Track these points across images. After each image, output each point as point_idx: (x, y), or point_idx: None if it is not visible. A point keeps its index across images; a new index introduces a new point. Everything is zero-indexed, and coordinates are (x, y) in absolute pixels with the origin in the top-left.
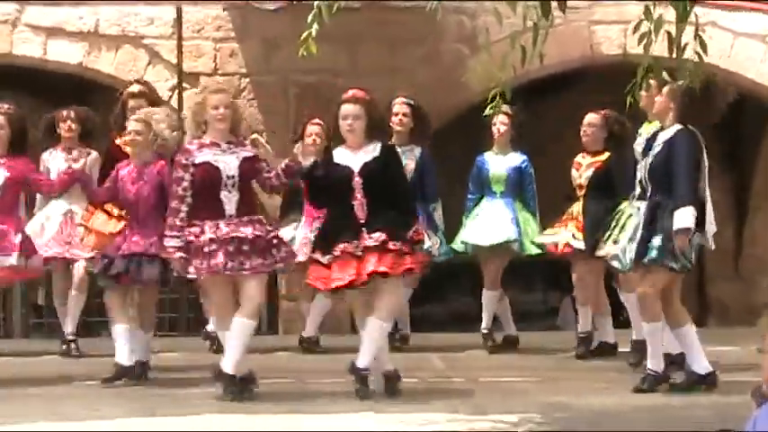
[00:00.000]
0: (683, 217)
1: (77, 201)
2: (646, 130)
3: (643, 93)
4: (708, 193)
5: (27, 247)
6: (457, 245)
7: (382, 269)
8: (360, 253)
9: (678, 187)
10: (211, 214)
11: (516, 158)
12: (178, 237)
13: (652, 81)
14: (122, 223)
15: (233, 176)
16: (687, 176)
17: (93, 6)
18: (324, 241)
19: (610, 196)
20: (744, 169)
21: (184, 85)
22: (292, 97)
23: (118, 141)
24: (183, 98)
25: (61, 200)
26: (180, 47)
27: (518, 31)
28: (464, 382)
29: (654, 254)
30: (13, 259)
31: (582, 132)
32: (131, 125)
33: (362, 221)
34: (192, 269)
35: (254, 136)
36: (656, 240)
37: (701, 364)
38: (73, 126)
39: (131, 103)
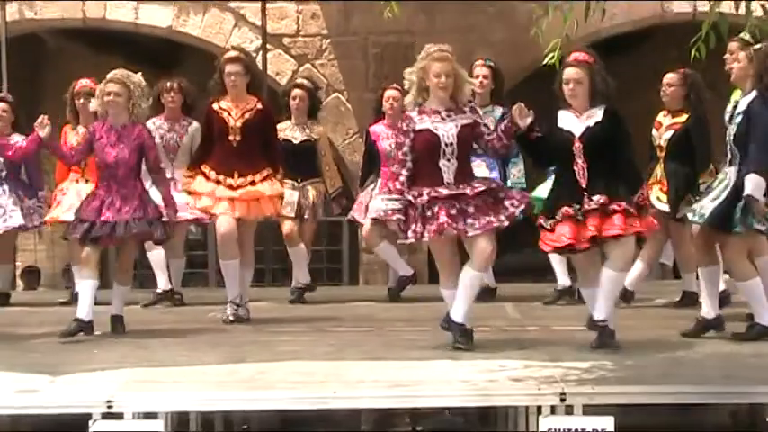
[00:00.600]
0: (752, 184)
1: (180, 166)
2: (734, 98)
3: (727, 56)
4: None
5: None
6: (536, 200)
7: (611, 233)
8: (581, 217)
9: (750, 153)
10: (431, 182)
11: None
12: (397, 200)
13: (734, 44)
14: (219, 186)
15: (451, 144)
16: (760, 143)
17: None
18: (548, 205)
19: (689, 160)
20: None
21: (268, 46)
22: (371, 57)
23: (215, 106)
24: (267, 59)
25: (166, 167)
26: (264, 9)
27: None
28: (538, 330)
29: (737, 217)
30: None
31: (662, 93)
32: (109, 86)
33: (583, 187)
34: (410, 233)
35: None
36: (739, 207)
37: (766, 317)
38: (176, 97)
39: (228, 68)
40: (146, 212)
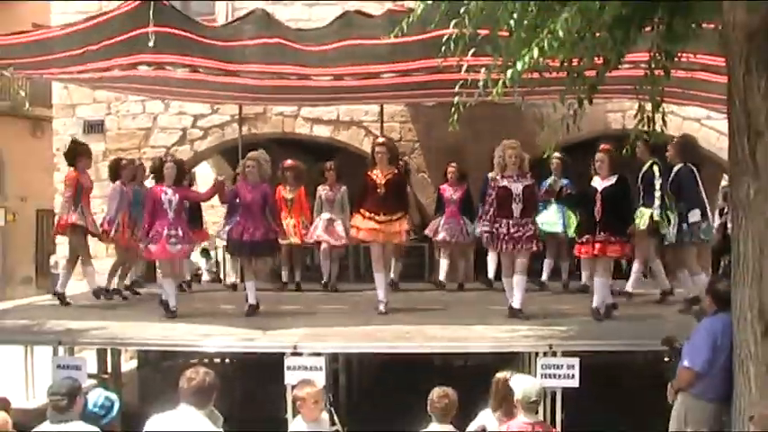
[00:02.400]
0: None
1: (335, 213)
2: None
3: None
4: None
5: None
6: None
7: (610, 255)
8: (593, 241)
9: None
10: (506, 216)
11: (564, 182)
12: (487, 225)
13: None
14: (370, 222)
15: (519, 195)
16: (691, 192)
17: (336, 105)
18: (580, 231)
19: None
20: None
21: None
22: (442, 152)
23: (369, 172)
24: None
25: (327, 212)
26: (381, 126)
27: (566, 113)
28: (537, 309)
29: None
30: None
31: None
32: (248, 162)
33: (597, 221)
34: (497, 248)
35: None
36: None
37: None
38: (332, 173)
39: (377, 149)
40: (267, 236)
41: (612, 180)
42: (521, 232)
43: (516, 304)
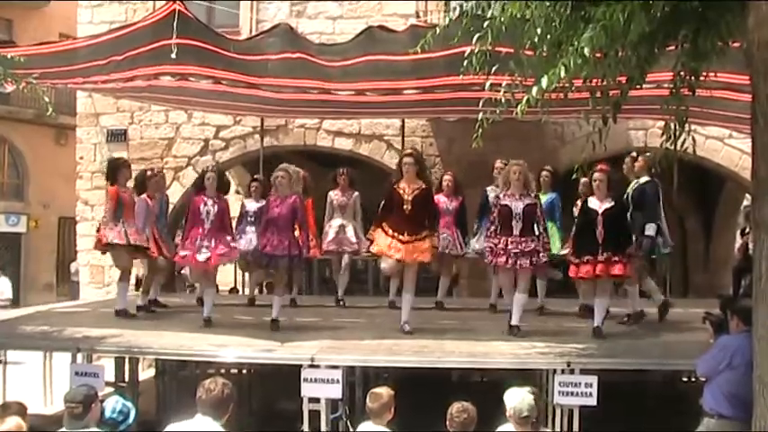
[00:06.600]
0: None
1: (347, 219)
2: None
3: (624, 166)
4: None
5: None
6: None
7: (613, 273)
8: (595, 261)
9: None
10: (507, 233)
11: (551, 196)
12: (489, 241)
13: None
14: (393, 240)
15: (519, 214)
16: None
17: (357, 119)
18: (577, 251)
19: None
20: (709, 210)
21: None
22: (462, 167)
23: (395, 186)
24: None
25: (339, 218)
26: (403, 141)
27: (590, 131)
28: (555, 326)
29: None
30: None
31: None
32: (278, 173)
33: (600, 242)
34: (494, 262)
35: None
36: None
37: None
38: (345, 178)
39: (405, 161)
40: (291, 251)
41: (612, 201)
42: (519, 248)
43: (515, 321)
